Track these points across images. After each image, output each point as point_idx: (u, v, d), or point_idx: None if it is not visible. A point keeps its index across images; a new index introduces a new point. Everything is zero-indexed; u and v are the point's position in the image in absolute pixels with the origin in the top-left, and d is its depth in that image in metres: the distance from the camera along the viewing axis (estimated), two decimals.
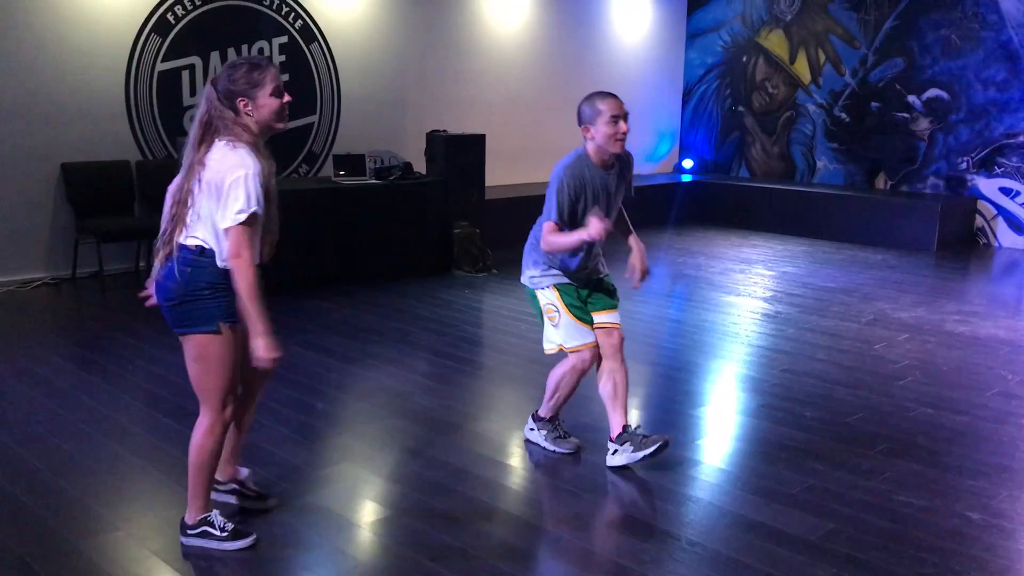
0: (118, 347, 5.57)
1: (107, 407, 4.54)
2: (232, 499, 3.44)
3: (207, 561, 3.11)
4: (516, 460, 4.12)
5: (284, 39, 8.36)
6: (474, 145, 8.47)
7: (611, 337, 3.91)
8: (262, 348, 2.87)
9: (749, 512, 3.51)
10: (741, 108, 11.95)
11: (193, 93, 7.82)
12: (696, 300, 7.25)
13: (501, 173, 9.72)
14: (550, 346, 3.97)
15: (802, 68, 11.31)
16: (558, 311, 3.87)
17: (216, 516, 3.17)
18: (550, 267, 3.89)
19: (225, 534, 3.14)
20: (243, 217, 2.81)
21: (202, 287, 2.91)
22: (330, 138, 8.85)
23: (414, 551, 3.18)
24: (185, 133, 7.44)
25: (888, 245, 9.73)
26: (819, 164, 11.32)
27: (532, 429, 4.18)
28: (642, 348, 5.99)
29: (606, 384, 3.91)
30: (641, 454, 3.80)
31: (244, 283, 2.84)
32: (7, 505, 3.47)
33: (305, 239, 7.16)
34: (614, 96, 3.69)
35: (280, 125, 2.99)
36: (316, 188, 7.52)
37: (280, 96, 2.95)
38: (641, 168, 12.10)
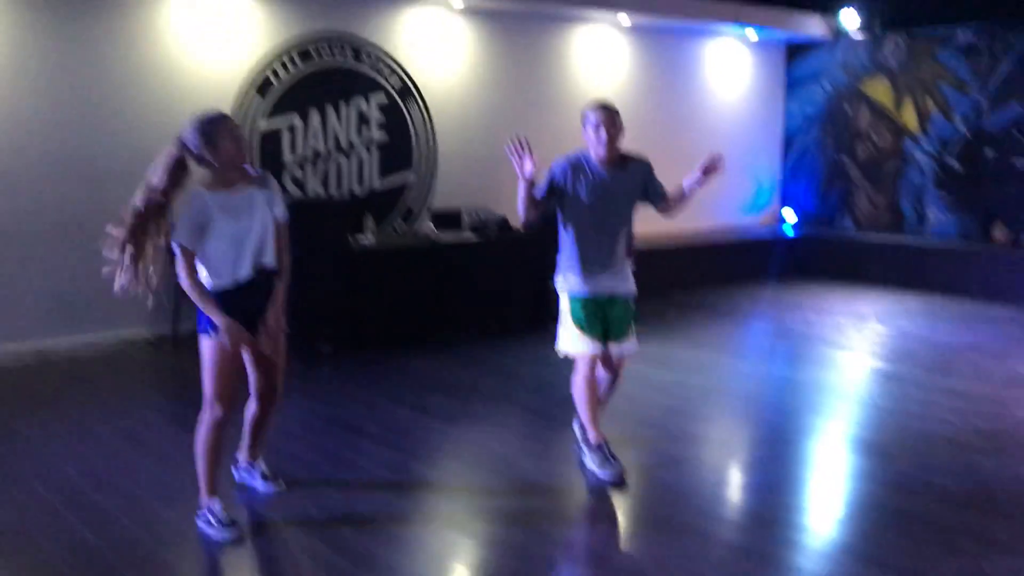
0: None
1: None
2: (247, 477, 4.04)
3: None
4: (619, 529, 3.85)
5: (382, 96, 8.41)
6: None
7: (613, 361, 4.32)
8: (231, 339, 3.45)
9: None
10: (845, 158, 11.54)
11: (294, 151, 7.91)
12: (807, 357, 6.86)
13: None
14: (561, 348, 4.33)
15: (909, 116, 10.87)
16: (566, 319, 4.26)
17: (215, 504, 3.60)
18: (567, 273, 4.27)
19: (220, 523, 3.55)
20: (173, 245, 3.48)
21: None
22: (427, 194, 8.83)
23: None
24: (286, 190, 7.52)
25: (1011, 300, 9.12)
26: (929, 214, 10.80)
27: (584, 454, 4.37)
28: (753, 407, 5.65)
29: (597, 391, 4.32)
30: (599, 472, 4.18)
31: (187, 292, 3.49)
32: None
33: (402, 295, 7.10)
34: (604, 108, 4.29)
35: (241, 158, 3.54)
36: (413, 244, 7.46)
37: (235, 139, 3.51)
38: (740, 220, 11.76)
